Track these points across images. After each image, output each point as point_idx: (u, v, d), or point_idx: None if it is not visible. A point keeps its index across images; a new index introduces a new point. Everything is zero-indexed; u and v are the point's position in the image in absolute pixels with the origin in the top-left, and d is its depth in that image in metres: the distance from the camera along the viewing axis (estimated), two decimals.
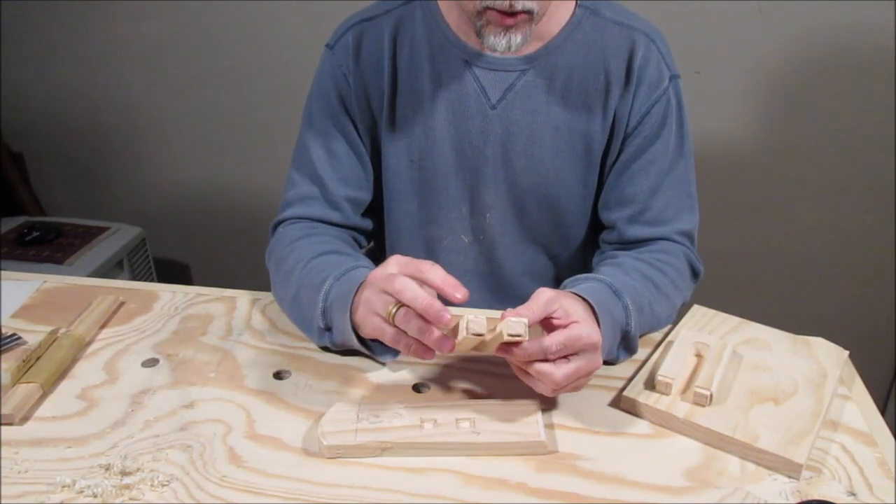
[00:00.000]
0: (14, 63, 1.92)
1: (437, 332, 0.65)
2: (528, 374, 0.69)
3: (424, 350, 0.67)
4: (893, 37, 1.53)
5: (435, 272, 0.66)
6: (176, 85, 1.88)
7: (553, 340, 0.66)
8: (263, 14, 1.74)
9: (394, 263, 0.69)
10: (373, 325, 0.70)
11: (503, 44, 0.80)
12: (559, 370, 0.66)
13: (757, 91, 1.64)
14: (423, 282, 0.66)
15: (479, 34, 0.81)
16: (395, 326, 0.67)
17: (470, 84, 0.88)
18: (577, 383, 0.69)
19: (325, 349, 0.82)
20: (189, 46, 1.82)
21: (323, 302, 0.76)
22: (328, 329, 0.78)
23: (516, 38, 0.80)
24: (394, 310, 0.66)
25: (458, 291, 0.65)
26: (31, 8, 1.83)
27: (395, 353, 0.78)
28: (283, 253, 0.88)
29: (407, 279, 0.66)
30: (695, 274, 0.93)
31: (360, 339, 0.75)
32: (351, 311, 0.73)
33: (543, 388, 0.69)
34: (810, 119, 1.65)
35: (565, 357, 0.67)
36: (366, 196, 0.96)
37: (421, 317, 0.65)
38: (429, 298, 0.64)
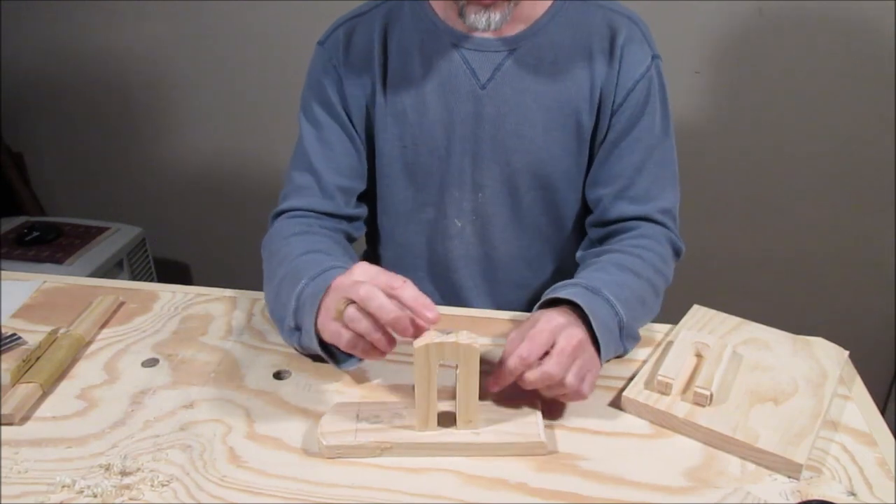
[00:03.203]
0: (14, 63, 1.92)
1: (385, 335, 0.66)
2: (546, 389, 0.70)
3: (373, 349, 0.68)
4: (894, 37, 1.53)
5: (407, 290, 0.65)
6: (176, 85, 1.88)
7: (522, 346, 0.68)
8: (264, 14, 1.74)
9: (360, 271, 0.68)
10: (330, 331, 0.70)
11: (483, 21, 0.83)
12: (550, 363, 0.68)
13: (757, 91, 1.64)
14: (393, 298, 0.65)
15: (460, 14, 0.84)
16: (349, 328, 0.67)
17: (459, 66, 0.90)
18: (582, 366, 0.69)
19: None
20: (189, 47, 1.82)
21: (296, 301, 0.76)
22: (298, 329, 0.76)
23: (495, 17, 0.83)
24: (343, 307, 0.66)
25: (430, 311, 0.64)
26: (31, 8, 1.83)
27: (357, 360, 0.77)
28: (274, 247, 0.88)
29: (374, 288, 0.65)
30: (677, 253, 0.94)
31: (323, 345, 0.74)
32: (316, 314, 0.72)
33: (570, 383, 0.69)
34: (810, 119, 1.65)
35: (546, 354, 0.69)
36: (359, 185, 0.97)
37: (374, 320, 0.65)
38: (397, 311, 0.64)
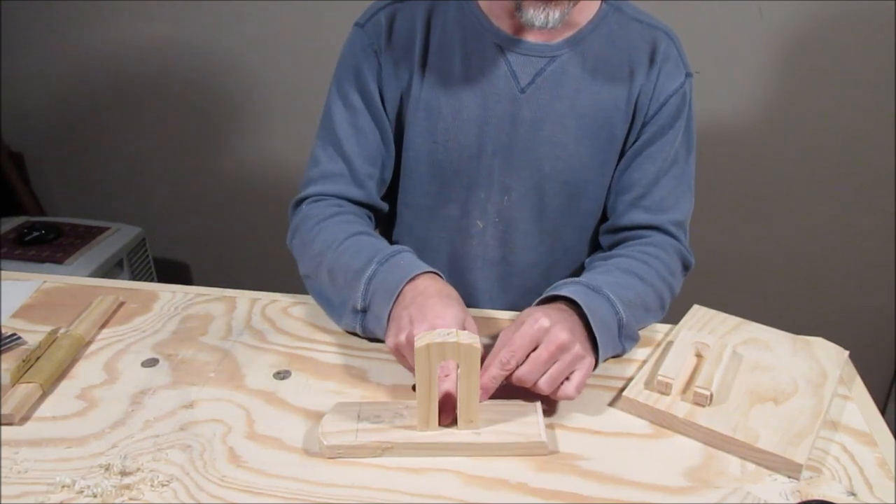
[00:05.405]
0: (14, 63, 1.92)
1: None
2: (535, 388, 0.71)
3: None
4: (893, 37, 1.53)
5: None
6: (176, 85, 1.88)
7: (503, 351, 0.70)
8: (264, 14, 1.74)
9: (450, 320, 0.72)
10: (394, 352, 0.75)
11: (541, 19, 0.81)
12: (522, 368, 0.70)
13: (757, 92, 1.64)
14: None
15: (517, 9, 0.82)
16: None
17: (501, 67, 0.89)
18: (560, 369, 0.70)
19: (352, 334, 0.84)
20: (189, 47, 1.82)
21: (365, 285, 0.78)
22: (364, 311, 0.79)
23: (555, 15, 0.81)
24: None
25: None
26: (31, 8, 1.83)
27: None
28: (311, 232, 0.88)
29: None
30: (685, 267, 0.95)
31: None
32: (394, 303, 0.76)
33: (541, 388, 0.70)
34: (810, 119, 1.65)
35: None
36: (388, 175, 0.97)
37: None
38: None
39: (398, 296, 0.76)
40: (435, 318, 0.71)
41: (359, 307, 0.79)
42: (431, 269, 0.79)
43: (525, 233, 0.97)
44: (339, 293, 0.82)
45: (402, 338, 0.72)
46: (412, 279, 0.77)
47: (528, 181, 0.93)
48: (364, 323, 0.80)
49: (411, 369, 0.75)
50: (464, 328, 0.72)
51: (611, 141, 0.92)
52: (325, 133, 0.95)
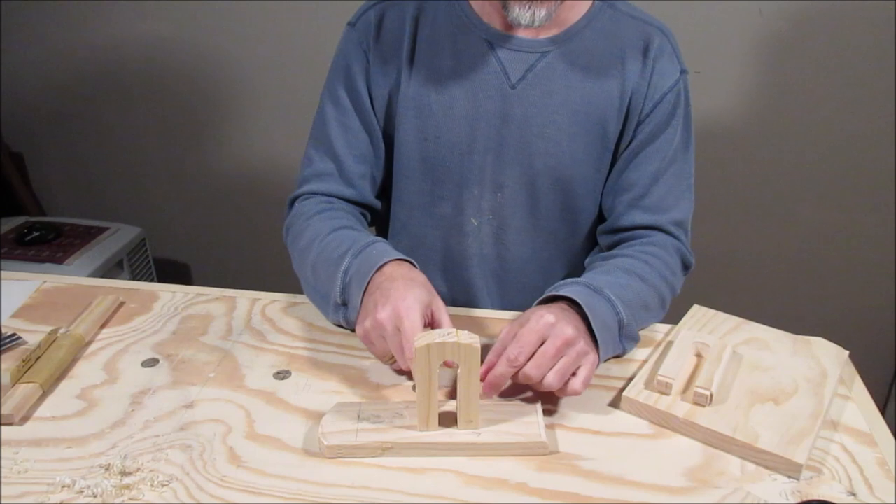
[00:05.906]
0: (14, 62, 1.92)
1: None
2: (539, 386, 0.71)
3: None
4: (893, 37, 1.53)
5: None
6: (175, 85, 1.88)
7: (511, 347, 0.69)
8: (263, 14, 1.74)
9: (414, 305, 0.71)
10: (362, 339, 0.76)
11: (527, 17, 0.82)
12: (530, 364, 0.69)
13: (757, 91, 1.64)
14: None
15: (504, 7, 0.83)
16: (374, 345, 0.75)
17: (491, 64, 0.89)
18: (567, 363, 0.70)
19: (339, 326, 0.85)
20: (189, 47, 1.82)
21: (342, 279, 0.79)
22: (344, 304, 0.80)
23: (541, 13, 0.82)
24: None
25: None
26: (32, 8, 1.83)
27: None
28: (300, 228, 0.90)
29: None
30: (686, 266, 0.95)
31: None
32: (364, 291, 0.76)
33: (550, 383, 0.70)
34: (810, 119, 1.65)
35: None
36: (379, 174, 0.97)
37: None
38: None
39: (367, 284, 0.77)
40: (398, 300, 0.71)
41: (339, 301, 0.81)
42: (402, 257, 0.80)
43: (519, 229, 0.97)
44: (323, 288, 0.83)
45: (368, 323, 0.73)
46: (380, 267, 0.77)
47: (521, 178, 0.94)
48: (347, 316, 0.81)
49: (379, 356, 0.77)
50: (428, 309, 0.73)
51: (604, 137, 0.92)
52: (316, 132, 0.96)
